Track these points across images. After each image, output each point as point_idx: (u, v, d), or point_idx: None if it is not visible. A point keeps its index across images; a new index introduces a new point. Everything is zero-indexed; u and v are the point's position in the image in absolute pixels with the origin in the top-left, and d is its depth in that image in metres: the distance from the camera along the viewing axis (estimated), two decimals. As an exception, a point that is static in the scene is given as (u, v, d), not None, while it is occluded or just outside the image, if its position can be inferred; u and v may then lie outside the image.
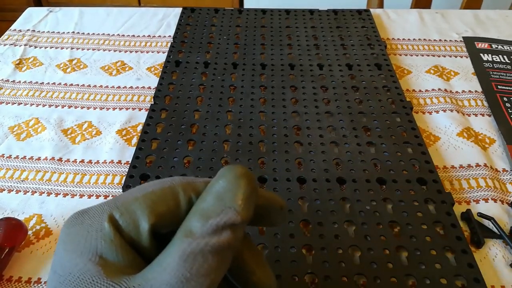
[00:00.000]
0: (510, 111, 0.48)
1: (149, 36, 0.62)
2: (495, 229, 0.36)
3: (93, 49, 0.60)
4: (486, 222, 0.37)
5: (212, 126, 0.45)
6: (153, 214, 0.17)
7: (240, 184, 0.17)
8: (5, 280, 0.33)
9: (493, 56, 0.57)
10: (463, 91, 0.52)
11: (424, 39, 0.61)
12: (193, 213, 0.17)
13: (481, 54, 0.58)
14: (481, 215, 0.37)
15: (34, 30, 0.63)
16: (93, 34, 0.63)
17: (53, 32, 0.63)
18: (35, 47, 0.60)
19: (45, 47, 0.60)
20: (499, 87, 0.52)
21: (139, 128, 0.47)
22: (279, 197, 0.20)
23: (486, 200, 0.39)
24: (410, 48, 0.60)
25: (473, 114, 0.49)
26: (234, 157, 0.41)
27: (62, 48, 0.60)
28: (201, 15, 0.65)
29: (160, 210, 0.17)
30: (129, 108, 0.50)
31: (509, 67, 0.55)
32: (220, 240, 0.16)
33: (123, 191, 0.39)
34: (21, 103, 0.50)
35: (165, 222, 0.17)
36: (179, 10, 0.66)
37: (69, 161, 0.43)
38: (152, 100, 0.49)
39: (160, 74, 0.53)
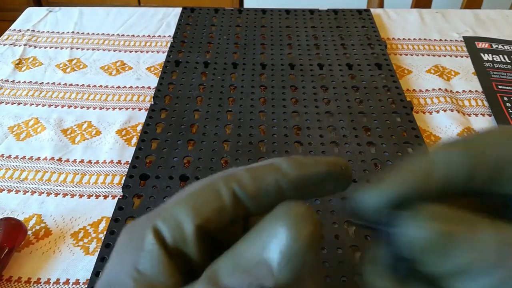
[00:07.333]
0: (510, 111, 0.48)
1: (148, 36, 0.62)
2: None
3: (93, 49, 0.60)
4: None
5: (212, 126, 0.45)
6: (196, 214, 0.16)
7: (294, 235, 0.13)
8: (5, 280, 0.33)
9: (494, 56, 0.57)
10: (464, 91, 0.52)
11: (425, 39, 0.61)
12: (229, 252, 0.15)
13: (482, 54, 0.58)
14: None
15: (33, 30, 0.63)
16: (93, 34, 0.63)
17: (53, 32, 0.63)
18: (35, 47, 0.60)
19: (45, 47, 0.60)
20: (499, 87, 0.52)
21: (139, 128, 0.47)
22: (336, 158, 0.17)
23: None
24: (411, 48, 0.60)
25: (474, 114, 0.49)
26: (234, 157, 0.41)
27: (61, 48, 0.60)
28: (201, 15, 0.65)
29: (203, 209, 0.16)
30: (128, 108, 0.50)
31: (509, 67, 0.55)
32: None
33: (122, 192, 0.39)
34: (21, 103, 0.50)
35: (211, 221, 0.16)
36: (179, 10, 0.66)
37: (69, 161, 0.43)
38: (152, 100, 0.49)
39: (160, 74, 0.53)
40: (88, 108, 0.50)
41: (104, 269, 0.17)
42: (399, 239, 0.15)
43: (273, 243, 0.13)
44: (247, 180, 0.16)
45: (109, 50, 0.59)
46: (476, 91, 0.52)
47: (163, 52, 0.58)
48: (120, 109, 0.49)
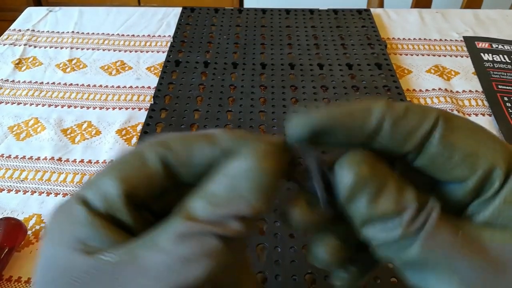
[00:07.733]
0: (510, 111, 0.48)
1: (148, 35, 0.62)
2: None
3: (93, 49, 0.60)
4: None
5: (212, 126, 0.45)
6: (122, 182, 0.15)
7: (262, 168, 0.15)
8: (5, 280, 0.33)
9: (494, 56, 0.57)
10: (464, 90, 0.52)
11: (425, 39, 0.61)
12: (199, 193, 0.15)
13: (482, 54, 0.58)
14: None
15: (33, 30, 0.63)
16: (93, 33, 0.63)
17: (53, 31, 0.63)
18: (35, 46, 0.60)
19: (45, 47, 0.60)
20: (499, 86, 0.52)
21: (139, 128, 0.47)
22: (281, 137, 0.17)
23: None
24: (411, 47, 0.60)
25: (474, 114, 0.49)
26: (234, 157, 0.41)
27: (61, 47, 0.60)
28: (201, 15, 0.65)
29: (129, 176, 0.16)
30: (128, 108, 0.50)
31: (509, 66, 0.55)
32: (227, 230, 0.14)
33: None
34: (21, 103, 0.50)
35: (139, 188, 0.16)
36: (179, 10, 0.66)
37: (69, 161, 0.43)
38: (152, 99, 0.49)
39: (160, 73, 0.53)
40: (88, 108, 0.50)
41: (41, 259, 0.15)
42: (322, 178, 0.16)
43: (244, 178, 0.15)
44: (177, 147, 0.16)
45: (109, 50, 0.59)
46: (476, 91, 0.52)
47: (163, 52, 0.58)
48: (120, 109, 0.49)
